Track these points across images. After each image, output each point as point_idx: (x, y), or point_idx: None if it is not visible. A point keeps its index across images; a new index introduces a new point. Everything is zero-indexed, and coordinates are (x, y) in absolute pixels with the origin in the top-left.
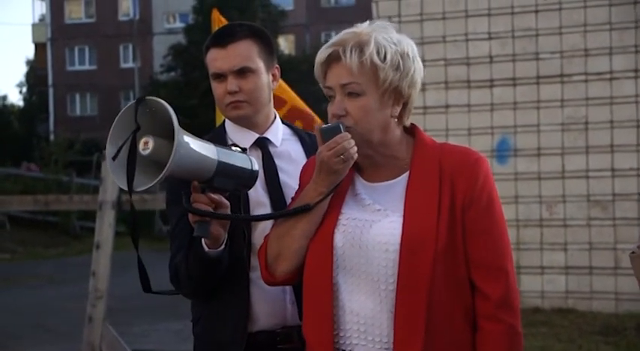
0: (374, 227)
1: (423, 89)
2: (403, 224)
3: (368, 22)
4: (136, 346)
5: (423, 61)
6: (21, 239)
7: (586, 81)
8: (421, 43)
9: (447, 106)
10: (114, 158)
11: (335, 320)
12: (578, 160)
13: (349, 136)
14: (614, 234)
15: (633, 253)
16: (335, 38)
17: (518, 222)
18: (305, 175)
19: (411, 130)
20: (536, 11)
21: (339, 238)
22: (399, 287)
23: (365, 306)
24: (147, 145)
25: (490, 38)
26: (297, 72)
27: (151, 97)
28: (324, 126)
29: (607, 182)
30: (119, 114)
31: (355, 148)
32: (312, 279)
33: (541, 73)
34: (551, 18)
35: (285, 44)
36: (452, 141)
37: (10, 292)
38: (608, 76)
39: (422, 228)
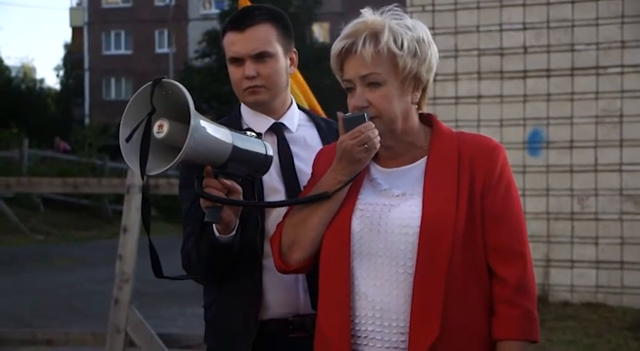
0: (393, 211)
1: (456, 79)
2: (423, 207)
3: (379, 11)
4: (161, 329)
5: (456, 50)
6: (54, 222)
7: (622, 73)
8: (455, 32)
9: (480, 97)
10: (127, 140)
11: (351, 306)
12: (612, 154)
13: (373, 125)
14: None
15: None
16: (346, 29)
17: (549, 215)
18: (318, 164)
19: (428, 119)
20: (573, 2)
21: (356, 224)
22: (418, 270)
23: (381, 292)
24: (161, 128)
25: (525, 29)
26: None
27: (167, 80)
28: (347, 114)
29: None
30: (134, 95)
31: (378, 138)
32: (329, 265)
33: (576, 65)
34: (587, 9)
35: (320, 32)
36: (483, 132)
37: (43, 272)
38: None
39: (441, 212)
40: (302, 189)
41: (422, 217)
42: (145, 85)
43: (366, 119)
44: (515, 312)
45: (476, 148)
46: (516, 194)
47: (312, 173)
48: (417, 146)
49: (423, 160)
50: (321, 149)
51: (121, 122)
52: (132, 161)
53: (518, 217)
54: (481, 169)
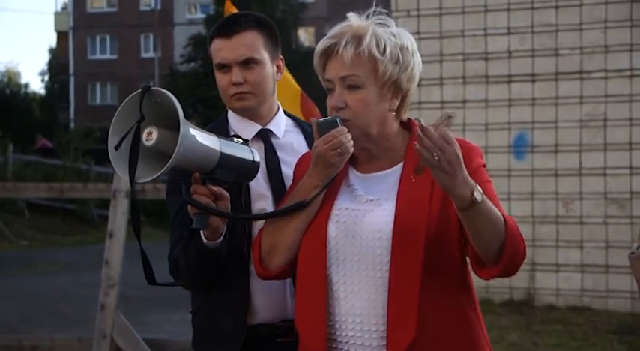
0: (367, 216)
1: (441, 84)
2: (396, 212)
3: (365, 14)
4: (148, 334)
5: (441, 55)
6: (39, 226)
7: (606, 78)
8: (440, 37)
9: (465, 101)
10: (116, 148)
11: (330, 311)
12: (596, 158)
13: (346, 129)
14: (631, 232)
15: (632, 253)
16: (332, 31)
17: (534, 218)
18: (299, 170)
19: (408, 125)
20: (557, 7)
21: (332, 229)
22: (392, 273)
23: (360, 296)
24: (150, 136)
25: (509, 33)
26: None
27: (156, 88)
28: (320, 119)
29: (625, 180)
30: (122, 103)
31: (352, 143)
32: (305, 271)
33: (560, 70)
34: (571, 14)
35: (305, 36)
36: (469, 136)
37: (28, 278)
38: (628, 73)
39: (414, 215)
40: None
41: (394, 221)
42: (133, 93)
43: (339, 124)
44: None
45: None
46: (493, 192)
47: (293, 179)
48: (394, 151)
49: (400, 165)
50: (302, 156)
51: (110, 130)
52: (121, 169)
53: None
54: None
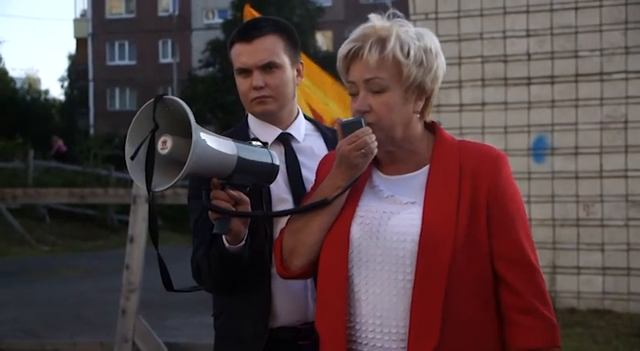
0: (392, 219)
1: (460, 86)
2: (423, 216)
3: (385, 16)
4: (169, 338)
5: (460, 58)
6: (60, 232)
7: (626, 79)
8: (458, 40)
9: (484, 104)
10: (132, 158)
11: (351, 312)
12: (617, 160)
13: (370, 130)
14: None
15: None
16: (355, 33)
17: (555, 221)
18: (321, 171)
19: (431, 127)
20: (576, 8)
21: (355, 230)
22: (417, 279)
23: (381, 298)
24: (165, 144)
25: (528, 35)
26: (334, 68)
27: (168, 96)
28: (344, 119)
29: None
30: (137, 113)
31: (376, 143)
32: (327, 272)
33: (580, 71)
34: (591, 15)
35: (323, 40)
36: (488, 139)
37: (49, 283)
38: None
39: (441, 221)
40: None
41: (422, 226)
42: (146, 103)
43: (363, 124)
44: (530, 320)
45: (479, 158)
46: (522, 202)
47: (315, 180)
48: (418, 154)
49: (426, 168)
50: (325, 156)
51: (126, 141)
52: (138, 178)
53: (525, 226)
54: (484, 179)
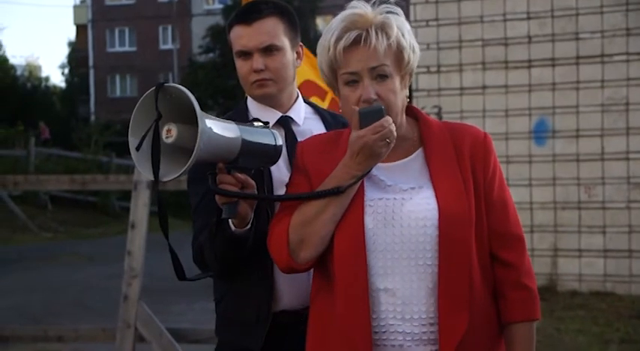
0: (406, 205)
1: (460, 70)
2: (437, 199)
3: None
4: (171, 324)
5: (460, 41)
6: (62, 219)
7: (627, 61)
8: (458, 23)
9: (485, 87)
10: (137, 148)
11: (371, 302)
12: (618, 142)
13: (391, 119)
14: None
15: None
16: (343, 22)
17: (556, 204)
18: (306, 156)
19: (411, 111)
20: None
21: (369, 220)
22: (441, 263)
23: (401, 285)
24: (170, 132)
25: (529, 18)
26: None
27: (169, 84)
28: (364, 108)
29: None
30: (138, 103)
31: (396, 132)
32: (344, 263)
33: (581, 54)
34: None
35: (324, 25)
36: (489, 122)
37: (52, 270)
38: None
39: (455, 202)
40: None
41: (439, 209)
42: (147, 92)
43: (384, 113)
44: (525, 294)
45: (472, 140)
46: (504, 181)
47: (296, 166)
48: (406, 139)
49: (418, 152)
50: (302, 142)
51: (129, 131)
52: (145, 169)
53: (512, 204)
54: (480, 161)
